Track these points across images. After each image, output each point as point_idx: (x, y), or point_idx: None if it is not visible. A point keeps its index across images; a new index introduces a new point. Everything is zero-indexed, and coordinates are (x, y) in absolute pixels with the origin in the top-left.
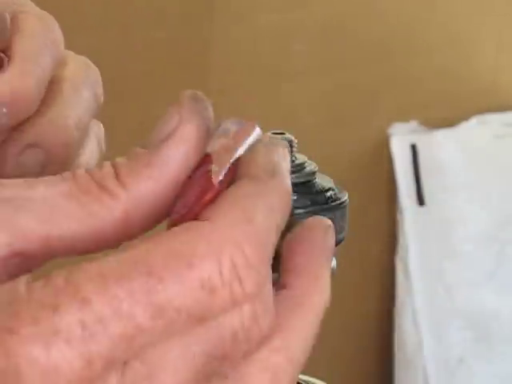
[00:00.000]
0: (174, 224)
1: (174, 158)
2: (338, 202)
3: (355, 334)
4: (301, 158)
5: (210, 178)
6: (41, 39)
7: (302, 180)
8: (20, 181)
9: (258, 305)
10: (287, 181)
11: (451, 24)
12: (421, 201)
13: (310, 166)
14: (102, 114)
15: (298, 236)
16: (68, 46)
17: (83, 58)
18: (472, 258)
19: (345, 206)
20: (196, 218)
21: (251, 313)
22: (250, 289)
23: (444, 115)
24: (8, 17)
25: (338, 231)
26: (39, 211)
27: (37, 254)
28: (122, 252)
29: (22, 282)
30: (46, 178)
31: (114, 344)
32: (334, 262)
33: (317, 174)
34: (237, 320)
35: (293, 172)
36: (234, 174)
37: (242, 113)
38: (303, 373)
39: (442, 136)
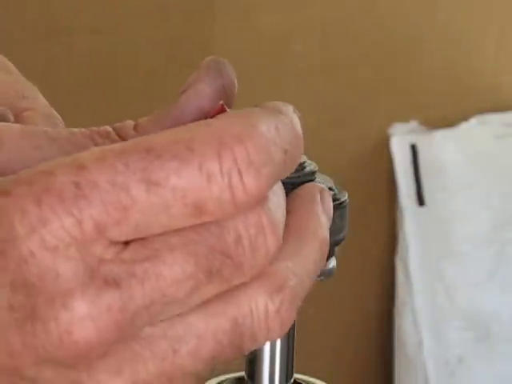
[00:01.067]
0: None
1: (187, 108)
2: (338, 202)
3: (355, 333)
4: (301, 157)
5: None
6: None
7: (301, 180)
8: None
9: (264, 217)
10: (296, 120)
11: (451, 24)
12: (421, 201)
13: (310, 166)
14: (103, 113)
15: (293, 193)
16: (70, 46)
17: None
18: (472, 258)
19: (345, 206)
20: None
21: (256, 222)
22: (250, 186)
23: (444, 115)
24: (11, 117)
25: (338, 231)
26: (59, 146)
27: None
28: None
29: None
30: (76, 129)
31: (106, 210)
32: (333, 262)
33: (317, 173)
34: (241, 224)
35: (293, 172)
36: None
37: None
38: (303, 373)
39: (441, 136)
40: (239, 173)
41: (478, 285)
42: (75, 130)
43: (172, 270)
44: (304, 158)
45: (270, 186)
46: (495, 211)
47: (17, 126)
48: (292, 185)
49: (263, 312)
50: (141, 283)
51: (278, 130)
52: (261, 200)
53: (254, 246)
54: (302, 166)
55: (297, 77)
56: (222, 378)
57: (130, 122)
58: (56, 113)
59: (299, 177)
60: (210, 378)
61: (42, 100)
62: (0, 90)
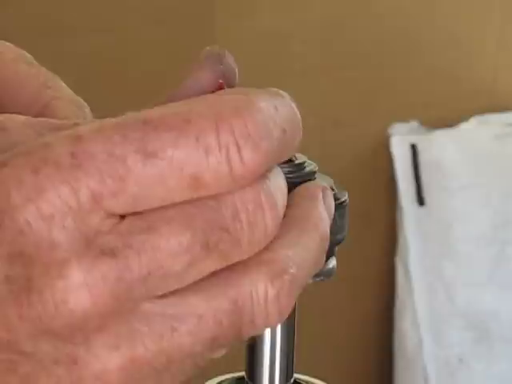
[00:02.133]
0: None
1: (187, 94)
2: (338, 201)
3: (355, 334)
4: (301, 158)
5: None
6: None
7: (301, 180)
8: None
9: (263, 194)
10: (294, 106)
11: (451, 24)
12: (421, 201)
13: (310, 166)
14: (103, 113)
15: (294, 191)
16: (71, 46)
17: None
18: (472, 258)
19: (345, 206)
20: None
21: (254, 198)
22: (248, 159)
23: (444, 115)
24: None
25: (337, 231)
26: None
27: None
28: None
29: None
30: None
31: (102, 180)
32: (333, 262)
33: (317, 173)
34: (239, 200)
35: (293, 172)
36: None
37: None
38: (303, 373)
39: (441, 136)
40: (237, 145)
41: (478, 285)
42: (80, 120)
43: (169, 243)
44: (304, 158)
45: (268, 162)
46: (495, 211)
47: (21, 116)
48: (292, 185)
49: (263, 296)
50: (137, 254)
51: (277, 109)
52: (259, 177)
53: (252, 222)
54: (302, 166)
55: (297, 77)
56: (222, 378)
57: (132, 112)
58: (82, 100)
59: (299, 177)
60: (210, 378)
61: (66, 88)
62: (23, 81)
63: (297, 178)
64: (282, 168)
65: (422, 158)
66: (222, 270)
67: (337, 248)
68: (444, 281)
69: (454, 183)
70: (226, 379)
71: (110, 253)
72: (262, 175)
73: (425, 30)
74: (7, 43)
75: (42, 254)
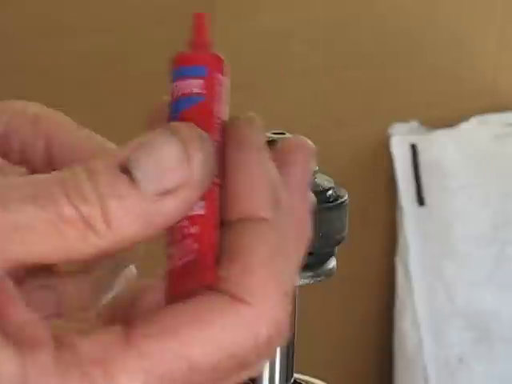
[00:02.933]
0: (176, 273)
1: (168, 214)
2: (338, 201)
3: (355, 334)
4: None
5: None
6: None
7: None
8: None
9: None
10: (308, 198)
11: (452, 24)
12: (421, 201)
13: None
14: (102, 114)
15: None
16: (70, 46)
17: None
18: (472, 258)
19: (345, 206)
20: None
21: None
22: (275, 344)
23: (444, 115)
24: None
25: (338, 231)
26: (24, 235)
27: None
28: (155, 337)
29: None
30: (38, 201)
31: None
32: (333, 262)
33: (317, 173)
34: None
35: None
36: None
37: (243, 112)
38: (303, 373)
39: (442, 136)
40: (279, 336)
41: (478, 285)
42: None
43: None
44: None
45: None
46: (495, 211)
47: None
48: None
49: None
50: None
51: (291, 257)
52: None
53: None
54: None
55: (297, 77)
56: None
57: (97, 206)
58: None
59: None
60: None
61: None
62: (75, 145)
63: None
64: None
65: (422, 158)
66: None
67: (337, 248)
68: (444, 281)
69: (454, 183)
70: None
71: None
72: None
73: (426, 30)
74: (42, 106)
75: None
